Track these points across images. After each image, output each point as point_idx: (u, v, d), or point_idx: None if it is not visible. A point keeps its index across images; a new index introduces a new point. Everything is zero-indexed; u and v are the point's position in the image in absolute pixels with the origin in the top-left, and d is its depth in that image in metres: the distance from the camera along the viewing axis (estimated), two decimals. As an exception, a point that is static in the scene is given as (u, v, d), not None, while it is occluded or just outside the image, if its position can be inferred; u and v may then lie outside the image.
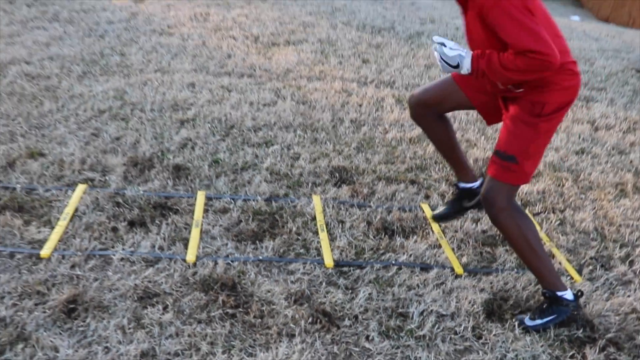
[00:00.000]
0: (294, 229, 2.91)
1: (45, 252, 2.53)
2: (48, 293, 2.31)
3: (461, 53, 2.32)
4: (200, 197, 3.09)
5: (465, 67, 2.31)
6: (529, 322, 2.50)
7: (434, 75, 5.79)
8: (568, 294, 2.50)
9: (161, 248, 2.67)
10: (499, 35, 2.22)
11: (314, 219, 3.01)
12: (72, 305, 2.25)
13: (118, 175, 3.24)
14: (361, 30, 7.39)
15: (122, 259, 2.56)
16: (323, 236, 2.85)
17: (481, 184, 2.83)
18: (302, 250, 2.77)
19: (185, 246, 2.69)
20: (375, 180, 3.51)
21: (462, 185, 2.90)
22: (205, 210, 2.99)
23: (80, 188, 3.04)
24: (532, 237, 2.44)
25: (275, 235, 2.85)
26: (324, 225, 2.94)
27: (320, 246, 2.80)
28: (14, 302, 2.25)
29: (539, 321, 2.49)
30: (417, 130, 4.22)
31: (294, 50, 5.99)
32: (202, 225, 2.86)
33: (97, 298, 2.31)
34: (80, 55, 5.12)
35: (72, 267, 2.48)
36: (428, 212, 3.17)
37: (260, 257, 2.68)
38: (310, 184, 3.39)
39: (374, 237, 2.95)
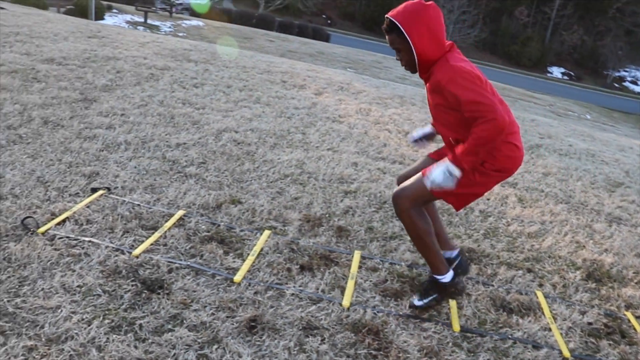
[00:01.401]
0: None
1: (237, 278, 2.98)
2: (236, 310, 2.73)
3: (449, 172, 2.61)
4: (357, 255, 3.45)
5: (455, 173, 2.60)
6: (417, 303, 2.95)
7: (551, 182, 5.86)
8: (447, 277, 2.88)
9: (323, 291, 3.03)
10: (458, 103, 2.51)
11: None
12: (253, 323, 2.66)
13: (295, 228, 3.68)
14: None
15: (292, 294, 2.94)
16: (453, 304, 3.10)
17: (459, 254, 3.17)
18: (434, 313, 3.01)
19: (342, 293, 3.03)
20: (498, 264, 3.69)
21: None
22: (359, 267, 3.34)
23: (266, 233, 3.51)
24: (424, 232, 2.77)
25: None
26: (455, 296, 3.17)
27: (450, 312, 3.03)
28: (212, 311, 2.70)
29: (423, 301, 2.94)
30: (535, 226, 4.43)
31: (436, 147, 6.33)
32: (356, 278, 3.18)
33: (271, 321, 2.70)
34: (273, 130, 5.78)
35: (255, 293, 2.90)
36: (542, 299, 3.31)
37: (401, 313, 2.95)
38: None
39: (495, 311, 3.15)
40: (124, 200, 3.67)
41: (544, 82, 40.07)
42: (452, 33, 39.59)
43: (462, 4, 41.66)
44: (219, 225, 3.57)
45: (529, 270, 3.74)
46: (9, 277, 2.71)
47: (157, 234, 3.30)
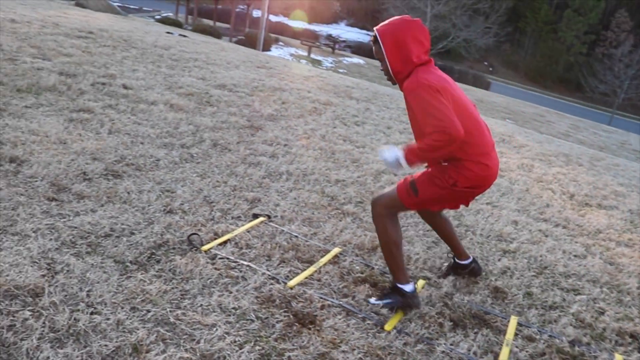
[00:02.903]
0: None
1: (388, 326, 2.96)
2: (385, 359, 2.68)
3: (397, 156, 2.82)
4: (513, 321, 3.27)
5: (405, 165, 2.82)
6: (373, 301, 3.11)
7: None
8: (408, 287, 3.06)
9: (475, 353, 2.91)
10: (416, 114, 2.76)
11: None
12: (400, 374, 2.58)
13: (449, 281, 3.59)
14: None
15: (443, 351, 2.86)
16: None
17: (472, 260, 3.55)
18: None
19: (495, 359, 2.86)
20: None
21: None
22: (515, 334, 3.16)
23: (420, 283, 3.46)
24: (393, 242, 3.01)
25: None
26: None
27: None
28: (360, 356, 2.71)
29: (379, 302, 3.09)
30: None
31: (605, 214, 5.89)
32: (511, 345, 3.01)
33: (419, 376, 2.61)
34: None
35: (405, 344, 2.85)
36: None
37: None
38: (613, 342, 3.33)
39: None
40: (283, 230, 3.80)
41: None
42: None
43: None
44: (372, 268, 3.57)
45: None
46: (172, 288, 2.89)
47: (312, 268, 3.36)
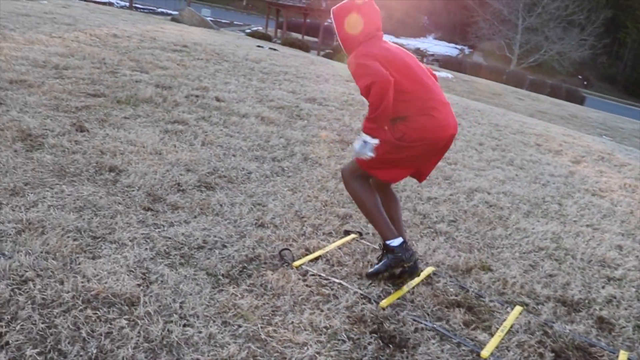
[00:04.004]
0: None
1: (485, 353, 2.83)
2: (482, 388, 2.54)
3: (364, 141, 2.98)
4: (623, 356, 3.05)
5: (369, 140, 2.96)
6: (369, 270, 3.22)
7: None
8: (396, 242, 3.13)
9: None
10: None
11: None
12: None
13: (549, 308, 3.40)
14: None
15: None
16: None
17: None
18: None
19: (605, 398, 2.66)
20: None
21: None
22: (628, 373, 2.92)
23: (517, 309, 3.29)
24: (366, 203, 3.18)
25: None
26: None
27: None
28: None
29: (376, 267, 3.18)
30: None
31: None
32: (623, 385, 2.79)
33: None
34: (527, 197, 5.50)
35: (504, 375, 2.68)
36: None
37: None
38: None
39: None
40: (375, 248, 3.72)
41: None
42: None
43: None
44: (467, 291, 3.43)
45: None
46: (264, 304, 2.87)
47: (405, 289, 3.26)
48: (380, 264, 3.18)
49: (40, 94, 5.21)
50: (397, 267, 3.14)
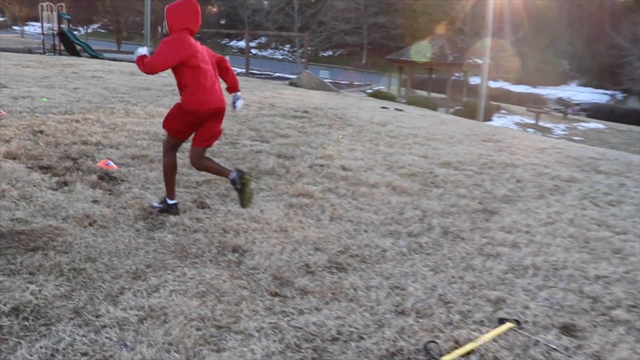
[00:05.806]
0: None
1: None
2: None
3: (139, 52, 4.41)
4: None
5: (139, 53, 4.42)
6: (154, 204, 4.84)
7: None
8: (172, 202, 4.77)
9: None
10: None
11: None
12: None
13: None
14: None
15: None
16: None
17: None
18: None
19: None
20: None
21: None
22: None
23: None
24: (166, 168, 4.67)
25: None
26: None
27: None
28: None
29: (156, 205, 4.80)
30: None
31: None
32: None
33: None
34: None
35: None
36: None
37: None
38: None
39: None
40: (538, 341, 3.41)
41: None
42: None
43: None
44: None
45: None
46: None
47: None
48: (159, 206, 4.78)
49: (161, 169, 5.43)
50: (163, 212, 4.74)
